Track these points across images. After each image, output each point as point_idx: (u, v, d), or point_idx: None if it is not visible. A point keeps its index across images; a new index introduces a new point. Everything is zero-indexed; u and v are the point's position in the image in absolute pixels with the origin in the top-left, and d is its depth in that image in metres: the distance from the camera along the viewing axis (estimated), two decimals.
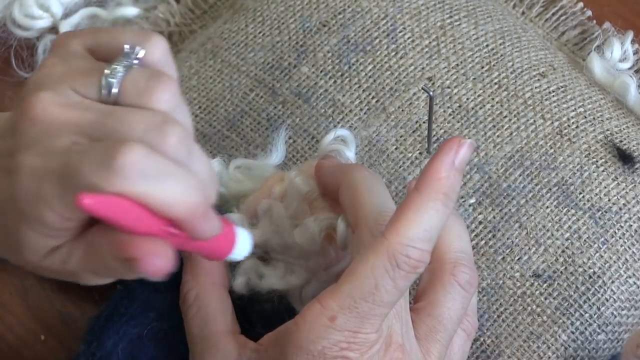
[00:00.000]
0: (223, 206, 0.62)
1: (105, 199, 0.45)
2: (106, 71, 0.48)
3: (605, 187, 0.66)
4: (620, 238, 0.64)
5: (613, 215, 0.65)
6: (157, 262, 0.46)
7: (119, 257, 0.47)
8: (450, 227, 0.56)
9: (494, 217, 0.64)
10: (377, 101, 0.68)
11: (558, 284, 0.63)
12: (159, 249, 0.46)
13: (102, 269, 0.50)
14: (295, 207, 0.58)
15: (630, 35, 0.75)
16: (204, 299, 0.57)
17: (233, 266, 0.59)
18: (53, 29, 0.79)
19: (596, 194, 0.65)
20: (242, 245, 0.54)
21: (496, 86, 0.69)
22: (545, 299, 0.63)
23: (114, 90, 0.47)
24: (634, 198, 0.65)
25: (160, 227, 0.47)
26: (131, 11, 0.79)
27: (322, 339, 0.49)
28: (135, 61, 0.48)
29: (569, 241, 0.64)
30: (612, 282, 0.63)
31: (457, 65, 0.69)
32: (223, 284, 0.58)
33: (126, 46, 0.49)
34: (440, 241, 0.55)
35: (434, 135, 0.66)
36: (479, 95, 0.68)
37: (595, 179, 0.66)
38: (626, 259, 0.64)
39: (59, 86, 0.48)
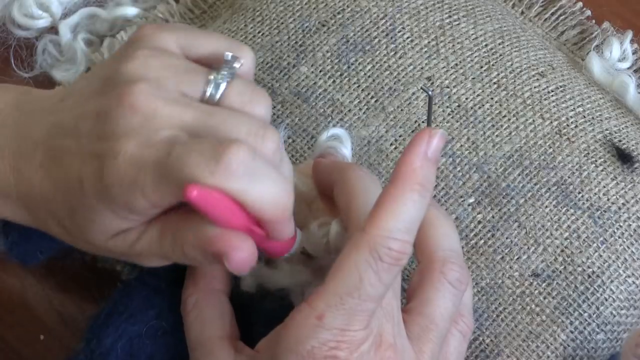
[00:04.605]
0: None
1: (210, 192, 0.46)
2: (211, 77, 0.50)
3: (605, 187, 0.66)
4: (619, 237, 0.64)
5: (612, 215, 0.65)
6: (242, 257, 0.48)
7: (205, 250, 0.48)
8: (438, 226, 0.56)
9: (493, 217, 0.64)
10: (376, 101, 0.68)
11: (557, 283, 0.63)
12: (244, 244, 0.48)
13: (177, 255, 0.51)
14: (295, 209, 0.58)
15: (629, 35, 0.75)
16: (203, 305, 0.57)
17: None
18: (52, 28, 0.79)
19: (595, 194, 0.65)
20: (296, 243, 0.55)
21: (495, 86, 0.69)
22: (544, 298, 0.63)
23: (218, 96, 0.49)
24: (633, 197, 0.65)
25: (246, 224, 0.48)
26: (131, 11, 0.79)
27: (311, 338, 0.49)
28: (235, 70, 0.51)
29: (568, 241, 0.64)
30: (611, 281, 0.63)
31: (456, 64, 0.69)
32: (223, 289, 0.58)
33: (228, 54, 0.51)
34: (429, 240, 0.55)
35: None
36: (478, 95, 0.68)
37: (595, 179, 0.66)
38: (625, 259, 0.64)
39: (160, 80, 0.49)
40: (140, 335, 0.59)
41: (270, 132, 0.49)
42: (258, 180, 0.47)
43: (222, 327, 0.56)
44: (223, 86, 0.50)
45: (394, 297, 0.52)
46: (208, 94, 0.50)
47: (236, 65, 0.51)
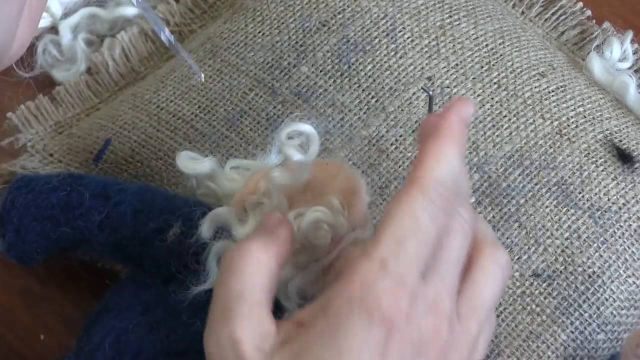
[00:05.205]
0: (216, 204, 0.62)
1: None
2: None
3: (605, 187, 0.66)
4: (619, 238, 0.64)
5: (612, 215, 0.65)
6: None
7: None
8: (479, 219, 0.55)
9: (494, 217, 0.64)
10: (376, 101, 0.68)
11: (557, 283, 0.63)
12: None
13: None
14: (276, 203, 0.58)
15: (629, 35, 0.75)
16: (269, 264, 0.52)
17: None
18: (52, 28, 0.79)
19: (596, 194, 0.65)
20: None
21: (496, 86, 0.69)
22: (545, 298, 0.63)
23: None
24: (633, 197, 0.65)
25: None
26: (131, 11, 0.79)
27: (376, 286, 0.48)
28: None
29: (569, 241, 0.64)
30: (612, 281, 0.63)
31: (457, 64, 0.69)
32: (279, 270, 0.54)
33: None
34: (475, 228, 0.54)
35: None
36: (478, 95, 0.68)
37: (595, 179, 0.66)
38: (626, 259, 0.64)
39: None
40: (127, 331, 0.59)
41: None
42: None
43: (270, 296, 0.52)
44: None
45: (455, 275, 0.51)
46: None
47: None
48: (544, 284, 0.63)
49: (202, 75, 0.64)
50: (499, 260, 0.53)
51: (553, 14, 0.77)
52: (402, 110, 0.68)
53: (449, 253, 0.51)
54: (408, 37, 0.70)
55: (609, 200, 0.65)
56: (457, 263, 0.51)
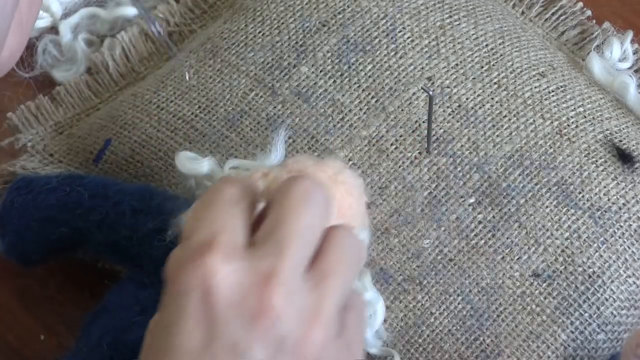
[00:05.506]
0: None
1: None
2: None
3: (605, 187, 0.66)
4: (619, 238, 0.64)
5: (613, 215, 0.65)
6: None
7: None
8: None
9: (494, 217, 0.64)
10: (376, 101, 0.68)
11: (558, 283, 0.63)
12: None
13: None
14: None
15: (629, 35, 0.75)
16: None
17: None
18: (53, 28, 0.79)
19: (596, 194, 0.65)
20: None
21: (496, 86, 0.69)
22: (545, 298, 0.63)
23: None
24: (633, 197, 0.65)
25: None
26: (131, 11, 0.79)
27: (180, 258, 0.47)
28: None
29: (569, 241, 0.64)
30: (612, 281, 0.63)
31: (457, 64, 0.69)
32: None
33: None
34: None
35: (434, 135, 0.66)
36: (478, 95, 0.68)
37: (595, 179, 0.66)
38: (626, 259, 0.64)
39: None
40: (125, 331, 0.59)
41: None
42: None
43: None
44: None
45: (299, 247, 0.47)
46: None
47: None
48: (544, 284, 0.63)
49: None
50: (350, 233, 0.50)
51: (553, 14, 0.77)
52: (402, 110, 0.68)
53: (289, 226, 0.47)
54: (408, 37, 0.70)
55: (609, 200, 0.65)
56: (303, 235, 0.48)
